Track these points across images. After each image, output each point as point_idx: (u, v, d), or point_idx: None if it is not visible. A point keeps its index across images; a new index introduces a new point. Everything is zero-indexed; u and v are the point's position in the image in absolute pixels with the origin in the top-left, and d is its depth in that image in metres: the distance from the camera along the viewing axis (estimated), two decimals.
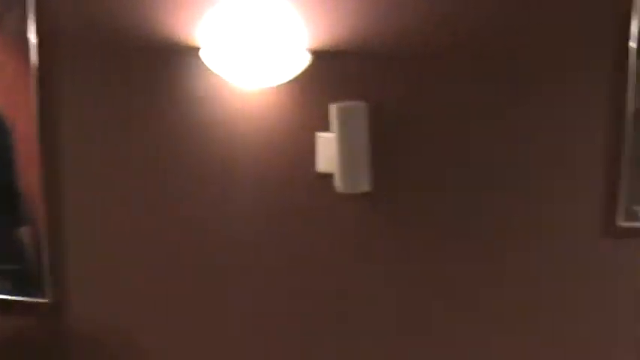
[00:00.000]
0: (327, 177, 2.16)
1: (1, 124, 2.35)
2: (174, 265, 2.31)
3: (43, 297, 2.41)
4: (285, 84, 2.14)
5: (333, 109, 2.10)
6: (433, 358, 2.28)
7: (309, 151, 2.17)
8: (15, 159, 2.35)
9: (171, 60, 2.18)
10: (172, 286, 2.33)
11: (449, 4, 2.11)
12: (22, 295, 2.44)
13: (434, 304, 2.26)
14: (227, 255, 2.26)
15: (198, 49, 2.14)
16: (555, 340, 2.26)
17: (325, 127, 2.15)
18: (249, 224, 2.24)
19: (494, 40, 2.13)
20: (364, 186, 2.14)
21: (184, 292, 2.33)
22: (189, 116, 2.20)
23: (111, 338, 2.41)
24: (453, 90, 2.15)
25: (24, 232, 2.40)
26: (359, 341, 2.28)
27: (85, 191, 2.33)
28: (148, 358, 2.39)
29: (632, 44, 2.10)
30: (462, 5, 2.11)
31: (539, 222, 2.21)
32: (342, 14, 2.12)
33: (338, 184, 2.13)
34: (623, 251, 2.22)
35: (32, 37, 2.27)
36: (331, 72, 2.14)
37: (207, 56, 2.09)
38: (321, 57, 2.13)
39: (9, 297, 2.45)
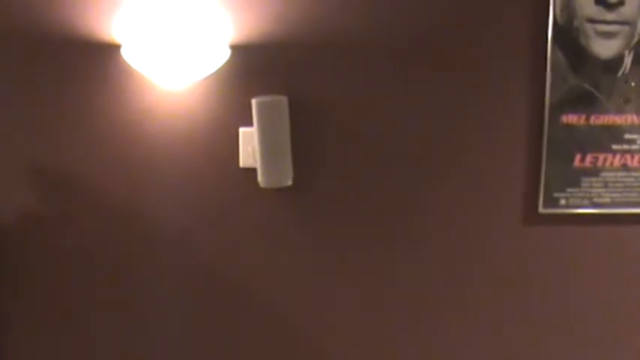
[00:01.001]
0: (251, 172, 2.17)
1: None
2: (93, 265, 2.31)
3: None
4: (206, 79, 2.14)
5: (254, 104, 2.11)
6: (346, 343, 2.32)
7: (232, 147, 2.18)
8: None
9: (91, 57, 2.16)
10: (95, 284, 2.33)
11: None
12: None
13: (354, 294, 2.30)
14: (150, 251, 2.26)
15: (118, 46, 2.13)
16: (477, 328, 2.31)
17: (249, 122, 2.15)
18: (172, 221, 2.24)
19: (413, 31, 2.15)
20: (286, 180, 2.16)
21: (111, 293, 2.33)
22: (109, 113, 2.19)
23: None
24: (374, 83, 2.17)
25: None
26: (279, 326, 2.31)
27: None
28: None
29: (550, 34, 2.12)
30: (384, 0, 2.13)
31: (462, 211, 2.24)
32: (262, 8, 2.12)
33: (260, 178, 2.15)
34: (545, 237, 2.26)
35: None
36: (252, 66, 2.14)
37: (127, 53, 2.09)
38: (242, 52, 2.13)
39: None
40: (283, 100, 2.12)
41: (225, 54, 2.11)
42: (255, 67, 2.15)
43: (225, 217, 2.22)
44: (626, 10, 2.11)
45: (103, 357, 2.33)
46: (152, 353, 2.32)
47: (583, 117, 2.17)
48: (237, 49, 2.13)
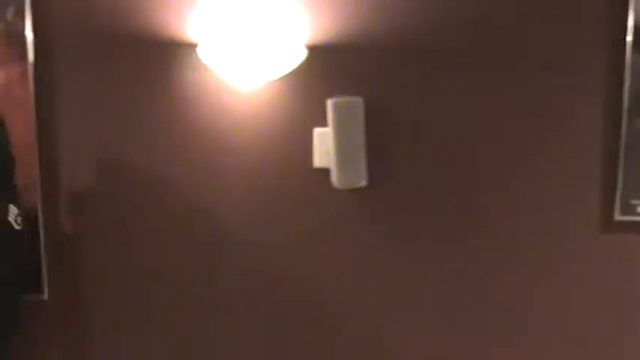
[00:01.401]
0: (324, 172, 2.16)
1: None
2: (168, 264, 2.31)
3: (40, 294, 2.40)
4: (281, 79, 2.13)
5: (330, 104, 2.10)
6: (420, 341, 2.28)
7: (306, 147, 2.17)
8: (11, 153, 2.34)
9: (167, 56, 2.18)
10: (169, 281, 2.34)
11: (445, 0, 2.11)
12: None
13: (427, 294, 2.26)
14: (224, 252, 2.26)
15: (194, 45, 2.13)
16: (551, 333, 2.26)
17: (323, 123, 2.14)
18: (245, 221, 2.23)
19: (490, 34, 2.13)
20: (361, 181, 2.14)
21: (184, 291, 2.33)
22: (185, 112, 2.20)
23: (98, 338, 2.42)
24: (449, 85, 2.15)
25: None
26: (351, 325, 2.28)
27: (80, 185, 2.32)
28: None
29: (629, 38, 2.10)
30: (457, 0, 2.11)
31: (537, 217, 2.20)
32: (339, 9, 2.11)
33: (334, 179, 2.13)
34: (621, 245, 2.21)
35: (29, 33, 2.27)
36: (328, 67, 2.14)
37: (203, 52, 2.09)
38: (318, 52, 2.13)
39: None
40: (359, 100, 2.11)
41: (302, 54, 2.10)
42: (329, 67, 2.14)
43: (298, 216, 2.21)
44: None
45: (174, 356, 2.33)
46: (223, 351, 2.31)
47: None
48: (313, 50, 2.12)
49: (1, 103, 2.33)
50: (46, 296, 2.39)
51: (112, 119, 2.26)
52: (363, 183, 2.14)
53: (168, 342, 2.34)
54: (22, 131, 2.33)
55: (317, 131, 2.15)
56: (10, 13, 2.28)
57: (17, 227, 2.18)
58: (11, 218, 2.16)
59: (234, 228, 2.24)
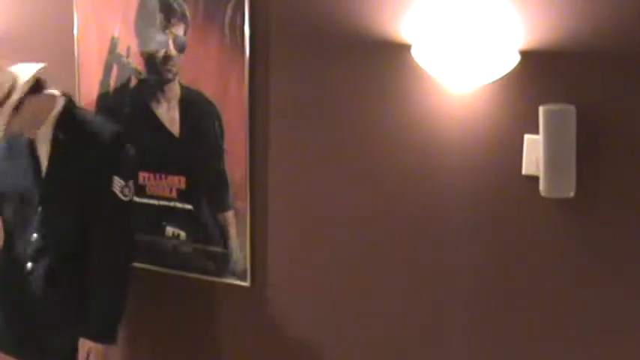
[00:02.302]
0: (533, 180, 2.11)
1: (212, 110, 2.47)
2: (369, 258, 2.37)
3: (243, 281, 2.51)
4: (492, 84, 2.11)
5: (541, 112, 2.06)
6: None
7: (515, 153, 2.14)
8: (224, 145, 2.47)
9: (380, 56, 2.23)
10: (366, 281, 2.40)
11: None
12: (224, 277, 2.55)
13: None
14: (431, 253, 2.29)
15: (406, 46, 2.16)
16: None
17: (534, 129, 2.09)
18: (449, 222, 2.25)
19: None
20: (568, 191, 2.08)
21: (379, 287, 2.38)
22: (395, 112, 2.24)
23: (300, 328, 2.51)
24: None
25: (228, 217, 2.51)
26: (555, 343, 2.21)
27: (287, 179, 2.42)
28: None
29: None
30: None
31: None
32: (556, 15, 2.06)
33: (542, 187, 2.09)
34: None
35: (247, 29, 2.37)
36: (540, 73, 2.09)
37: (418, 54, 2.12)
38: (531, 57, 2.08)
39: (211, 278, 2.58)
40: (571, 109, 2.06)
41: (515, 59, 2.08)
42: (543, 73, 2.09)
43: (502, 223, 2.19)
44: None
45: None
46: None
47: None
48: (526, 55, 2.09)
49: (219, 97, 2.46)
50: (248, 283, 2.51)
51: (320, 118, 2.33)
52: (571, 194, 2.09)
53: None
54: (236, 125, 2.45)
55: (528, 138, 2.12)
56: (229, 8, 2.40)
57: (123, 198, 2.32)
58: (116, 189, 2.30)
59: (439, 229, 2.26)
